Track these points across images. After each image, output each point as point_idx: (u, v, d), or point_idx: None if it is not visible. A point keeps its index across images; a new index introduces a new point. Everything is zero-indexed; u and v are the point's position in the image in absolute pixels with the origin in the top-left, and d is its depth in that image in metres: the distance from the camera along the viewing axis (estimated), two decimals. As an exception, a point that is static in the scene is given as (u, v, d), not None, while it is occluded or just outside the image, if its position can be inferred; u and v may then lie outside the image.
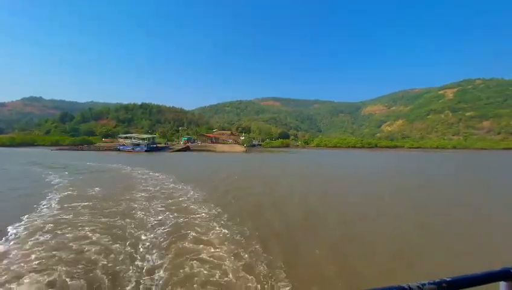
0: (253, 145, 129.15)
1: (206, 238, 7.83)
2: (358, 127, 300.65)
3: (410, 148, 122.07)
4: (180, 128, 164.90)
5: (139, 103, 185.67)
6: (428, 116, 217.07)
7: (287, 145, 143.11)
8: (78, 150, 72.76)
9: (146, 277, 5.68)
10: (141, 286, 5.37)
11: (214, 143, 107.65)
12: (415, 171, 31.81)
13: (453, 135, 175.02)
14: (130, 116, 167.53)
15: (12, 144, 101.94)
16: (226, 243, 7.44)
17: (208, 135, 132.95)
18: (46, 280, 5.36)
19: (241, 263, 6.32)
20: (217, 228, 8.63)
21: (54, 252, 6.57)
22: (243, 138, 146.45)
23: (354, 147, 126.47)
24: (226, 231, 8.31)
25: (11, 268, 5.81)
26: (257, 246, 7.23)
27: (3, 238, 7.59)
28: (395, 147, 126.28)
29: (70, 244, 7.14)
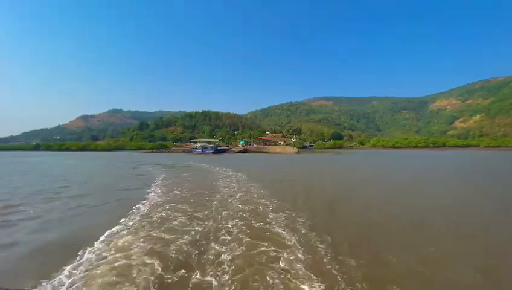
0: (305, 147, 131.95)
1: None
2: (425, 125, 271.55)
3: (487, 147, 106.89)
4: (236, 132, 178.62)
5: (200, 111, 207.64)
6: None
7: (340, 146, 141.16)
8: (160, 152, 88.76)
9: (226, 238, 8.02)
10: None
11: (266, 145, 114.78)
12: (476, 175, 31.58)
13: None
14: (193, 123, 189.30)
15: (109, 148, 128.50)
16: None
17: (261, 137, 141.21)
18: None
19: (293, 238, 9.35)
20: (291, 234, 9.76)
21: (172, 213, 13.07)
22: (294, 139, 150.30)
23: (416, 146, 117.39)
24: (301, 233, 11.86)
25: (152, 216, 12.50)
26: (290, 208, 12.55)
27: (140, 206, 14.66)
28: (467, 146, 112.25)
29: (171, 212, 13.18)
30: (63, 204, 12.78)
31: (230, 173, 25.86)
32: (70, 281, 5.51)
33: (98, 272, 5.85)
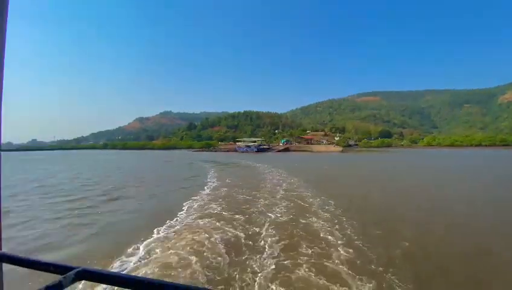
0: (349, 146, 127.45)
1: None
2: (493, 121, 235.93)
3: None
4: (276, 131, 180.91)
5: (242, 111, 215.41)
6: None
7: (389, 145, 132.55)
8: (208, 151, 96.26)
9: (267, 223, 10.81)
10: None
11: (308, 144, 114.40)
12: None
13: None
14: (236, 123, 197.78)
15: (163, 147, 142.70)
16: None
17: (302, 136, 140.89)
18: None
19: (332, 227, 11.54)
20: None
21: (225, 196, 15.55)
22: (338, 138, 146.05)
23: (480, 145, 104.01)
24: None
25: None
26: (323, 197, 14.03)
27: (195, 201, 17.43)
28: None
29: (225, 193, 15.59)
30: (147, 189, 17.12)
31: (273, 169, 28.34)
32: (168, 235, 8.11)
33: (185, 231, 8.46)
